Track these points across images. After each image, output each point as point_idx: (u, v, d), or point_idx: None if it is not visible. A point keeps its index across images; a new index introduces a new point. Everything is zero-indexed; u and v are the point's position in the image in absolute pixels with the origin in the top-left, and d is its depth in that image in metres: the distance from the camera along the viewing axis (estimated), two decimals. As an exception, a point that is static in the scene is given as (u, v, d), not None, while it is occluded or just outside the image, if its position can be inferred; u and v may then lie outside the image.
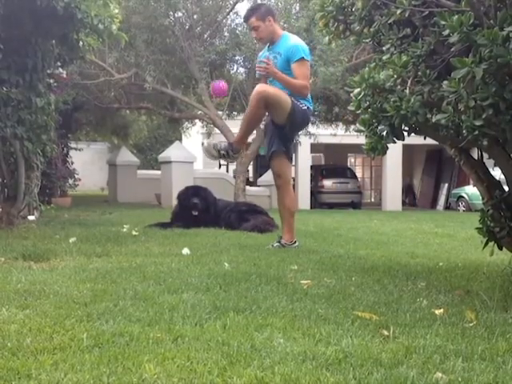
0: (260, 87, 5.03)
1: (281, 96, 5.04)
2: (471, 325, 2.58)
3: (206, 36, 15.11)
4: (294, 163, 23.54)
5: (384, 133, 3.06)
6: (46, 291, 3.09)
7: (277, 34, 5.27)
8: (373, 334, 2.43)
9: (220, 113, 15.73)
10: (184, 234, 6.29)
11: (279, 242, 5.24)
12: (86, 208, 11.94)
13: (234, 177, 15.90)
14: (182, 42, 14.16)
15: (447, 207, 23.40)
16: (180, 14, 14.70)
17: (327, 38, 3.76)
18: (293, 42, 5.20)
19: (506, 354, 2.19)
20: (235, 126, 15.87)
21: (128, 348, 2.17)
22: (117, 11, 6.56)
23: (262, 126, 14.23)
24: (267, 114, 5.34)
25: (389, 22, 3.10)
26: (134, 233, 6.17)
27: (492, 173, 3.58)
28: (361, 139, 3.51)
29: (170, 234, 6.25)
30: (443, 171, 25.45)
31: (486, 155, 3.43)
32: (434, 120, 2.83)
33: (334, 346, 2.22)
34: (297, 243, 5.30)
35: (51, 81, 7.52)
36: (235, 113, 16.76)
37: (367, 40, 3.35)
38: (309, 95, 5.24)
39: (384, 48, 3.13)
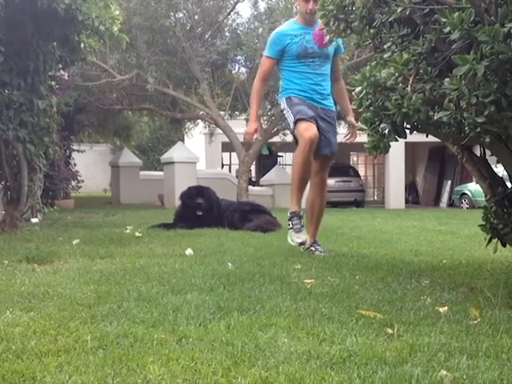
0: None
1: None
2: (475, 322, 2.58)
3: (207, 36, 15.13)
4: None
5: (386, 131, 3.06)
6: (49, 293, 3.10)
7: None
8: (377, 332, 2.42)
9: (222, 113, 15.74)
10: (187, 234, 6.30)
11: (317, 248, 4.85)
12: (89, 210, 11.96)
13: (237, 177, 15.89)
14: (183, 43, 14.18)
15: (450, 204, 23.38)
16: (181, 15, 14.72)
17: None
18: None
19: (511, 351, 2.19)
20: (237, 125, 15.93)
21: (132, 349, 2.17)
22: (118, 12, 6.57)
23: (264, 126, 14.35)
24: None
25: (389, 20, 3.09)
26: (137, 234, 6.17)
27: (495, 169, 3.57)
28: (363, 137, 3.50)
29: (173, 234, 6.25)
30: (446, 168, 25.43)
31: (488, 152, 3.43)
32: (435, 117, 2.83)
33: (339, 345, 2.22)
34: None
35: (53, 83, 7.54)
36: (237, 113, 16.76)
37: (368, 41, 3.34)
38: None
39: (385, 46, 3.12)
